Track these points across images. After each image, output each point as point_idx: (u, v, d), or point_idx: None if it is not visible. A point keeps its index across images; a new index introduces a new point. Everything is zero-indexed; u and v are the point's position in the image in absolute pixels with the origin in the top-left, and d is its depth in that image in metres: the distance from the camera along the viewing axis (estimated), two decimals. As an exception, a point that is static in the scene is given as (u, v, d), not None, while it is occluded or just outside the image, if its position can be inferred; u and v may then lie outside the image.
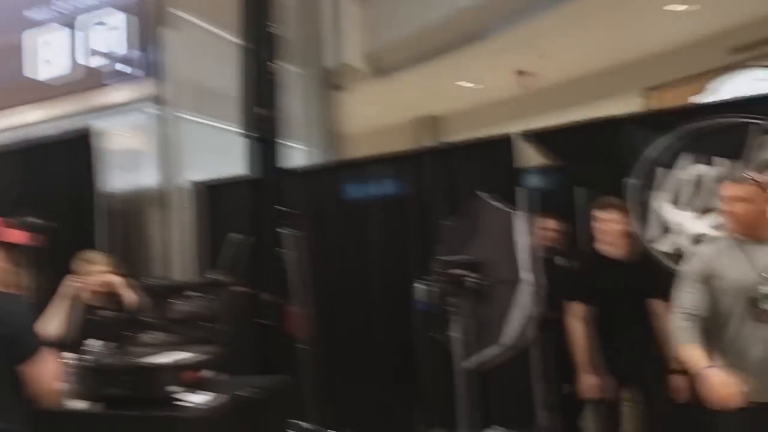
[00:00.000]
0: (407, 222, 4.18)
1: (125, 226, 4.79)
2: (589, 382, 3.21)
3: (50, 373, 2.14)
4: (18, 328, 2.11)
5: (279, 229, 3.65)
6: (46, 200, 4.52)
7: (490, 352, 3.48)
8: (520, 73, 9.33)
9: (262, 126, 3.59)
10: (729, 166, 3.35)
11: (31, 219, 4.12)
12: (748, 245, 2.41)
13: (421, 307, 3.74)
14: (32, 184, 4.74)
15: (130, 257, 4.68)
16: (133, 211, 4.92)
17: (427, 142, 10.62)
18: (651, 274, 3.23)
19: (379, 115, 10.63)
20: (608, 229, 3.19)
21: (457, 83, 9.82)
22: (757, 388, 2.30)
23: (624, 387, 3.22)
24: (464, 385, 3.28)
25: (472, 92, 10.23)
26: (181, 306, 2.82)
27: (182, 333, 2.75)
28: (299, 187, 4.43)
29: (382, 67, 8.47)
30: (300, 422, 3.53)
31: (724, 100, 3.78)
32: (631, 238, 3.30)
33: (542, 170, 3.88)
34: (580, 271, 3.33)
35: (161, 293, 2.90)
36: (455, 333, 3.30)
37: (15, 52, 5.60)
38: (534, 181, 4.04)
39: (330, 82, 7.07)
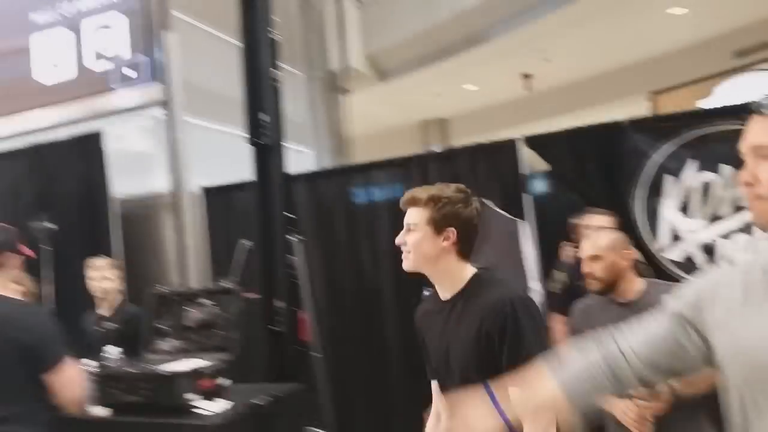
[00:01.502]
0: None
1: (138, 231, 4.81)
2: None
3: (74, 381, 2.19)
4: (41, 336, 2.15)
5: (287, 236, 3.67)
6: (57, 205, 4.56)
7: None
8: (526, 76, 9.34)
9: (265, 131, 3.61)
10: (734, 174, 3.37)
11: (41, 224, 4.18)
12: None
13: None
14: (43, 188, 4.76)
15: (144, 263, 4.72)
16: (144, 216, 4.94)
17: (435, 144, 10.68)
18: None
19: (386, 117, 10.66)
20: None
21: (462, 86, 9.84)
22: None
23: None
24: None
25: (477, 95, 10.25)
26: (194, 313, 2.86)
27: (196, 340, 2.79)
28: (307, 192, 4.48)
29: (385, 70, 8.49)
30: (315, 429, 3.55)
31: (726, 106, 3.74)
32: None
33: (548, 176, 3.87)
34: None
35: (175, 300, 2.93)
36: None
37: (23, 55, 5.61)
38: (540, 187, 4.05)
39: (335, 85, 7.09)
